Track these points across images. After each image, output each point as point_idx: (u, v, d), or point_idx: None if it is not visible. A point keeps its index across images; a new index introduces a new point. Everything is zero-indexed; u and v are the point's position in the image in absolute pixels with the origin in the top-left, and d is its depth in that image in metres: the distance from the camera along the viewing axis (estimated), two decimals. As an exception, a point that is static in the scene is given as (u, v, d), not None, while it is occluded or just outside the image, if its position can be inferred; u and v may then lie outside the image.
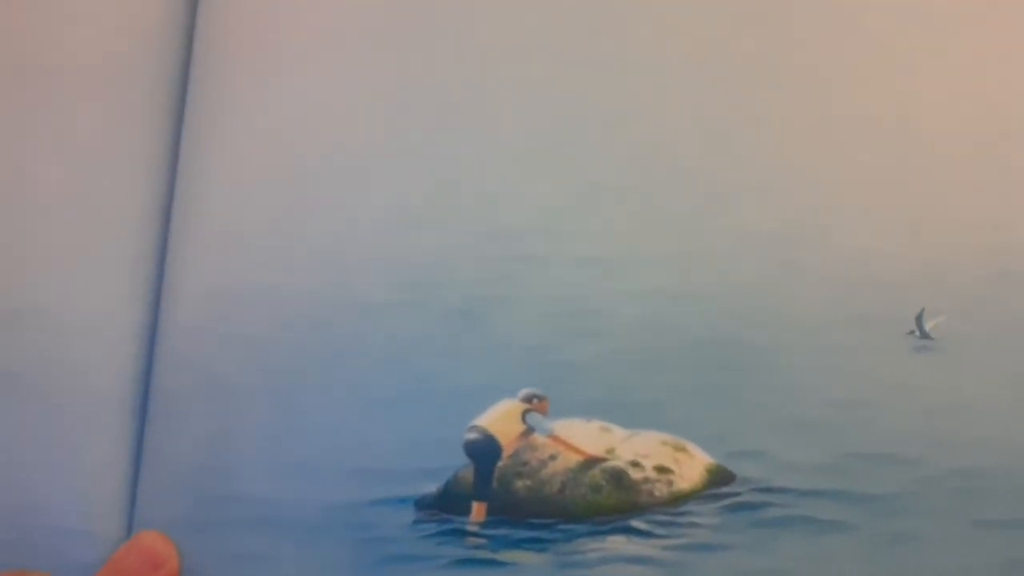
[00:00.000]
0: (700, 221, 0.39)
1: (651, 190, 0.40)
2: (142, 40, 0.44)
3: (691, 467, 0.37)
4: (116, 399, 0.41)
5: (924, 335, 0.37)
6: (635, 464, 0.37)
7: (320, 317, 0.40)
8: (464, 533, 0.37)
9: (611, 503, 0.37)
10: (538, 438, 0.38)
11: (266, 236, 0.42)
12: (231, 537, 0.38)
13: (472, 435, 0.38)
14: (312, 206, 0.42)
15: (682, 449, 0.37)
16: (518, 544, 0.37)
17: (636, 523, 0.37)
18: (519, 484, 0.38)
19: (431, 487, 0.38)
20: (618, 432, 0.38)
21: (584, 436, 0.38)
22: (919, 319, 0.37)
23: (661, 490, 0.37)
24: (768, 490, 0.36)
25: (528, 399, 0.38)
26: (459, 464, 0.38)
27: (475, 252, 0.40)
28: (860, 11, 0.40)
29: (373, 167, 0.41)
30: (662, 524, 0.36)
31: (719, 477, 0.37)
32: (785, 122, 0.40)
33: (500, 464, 0.38)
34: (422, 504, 0.38)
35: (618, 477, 0.37)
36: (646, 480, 0.37)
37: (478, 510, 0.38)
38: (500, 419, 0.38)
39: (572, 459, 0.38)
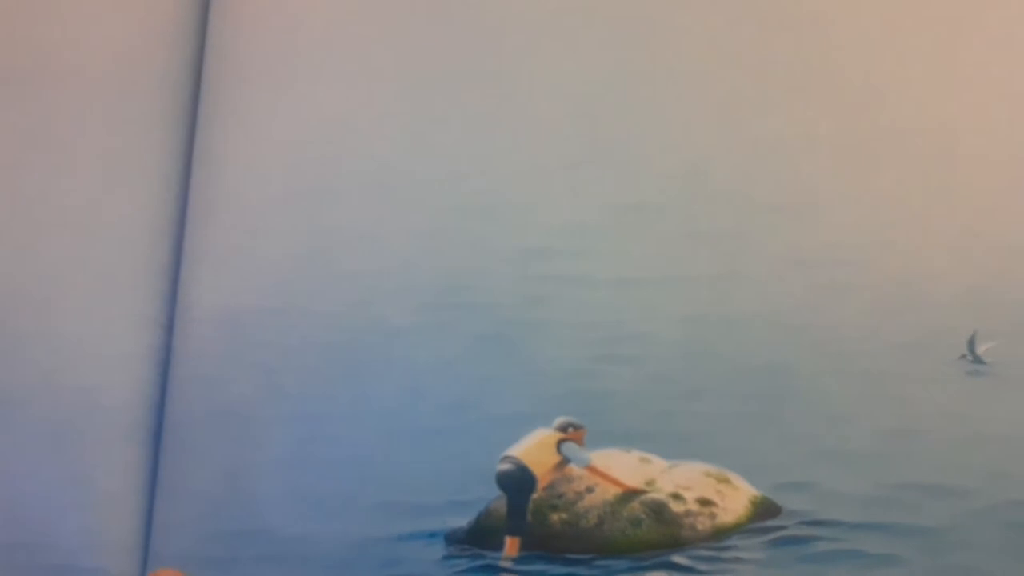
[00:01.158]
0: (741, 242, 0.38)
1: (690, 209, 0.38)
2: (153, 57, 0.43)
3: (735, 499, 0.36)
4: (129, 428, 0.39)
5: (976, 360, 0.36)
6: (676, 496, 0.36)
7: (342, 341, 0.39)
8: (497, 569, 0.36)
9: (651, 537, 0.35)
10: (574, 469, 0.37)
11: (284, 255, 0.40)
12: (251, 575, 0.37)
13: (505, 466, 0.36)
14: (332, 223, 0.40)
15: (725, 480, 0.36)
16: None
17: (678, 559, 0.35)
18: (554, 517, 0.36)
19: (462, 521, 0.37)
20: (658, 463, 0.36)
21: (623, 467, 0.36)
22: (971, 343, 0.36)
23: (704, 524, 0.35)
24: (816, 523, 0.35)
25: (564, 428, 0.37)
26: (491, 496, 0.37)
27: (506, 273, 0.39)
28: (903, 35, 0.39)
29: (396, 182, 0.40)
30: (705, 559, 0.35)
31: (764, 510, 0.35)
32: (828, 142, 0.38)
33: (534, 496, 0.37)
34: (453, 539, 0.36)
35: (659, 510, 0.36)
36: (688, 513, 0.35)
37: (511, 545, 0.36)
38: (534, 449, 0.36)
39: (610, 491, 0.36)
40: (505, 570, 0.36)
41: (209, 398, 0.39)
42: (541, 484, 0.36)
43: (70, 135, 0.42)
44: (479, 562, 0.36)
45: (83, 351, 0.40)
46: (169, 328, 0.40)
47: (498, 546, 0.36)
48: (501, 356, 0.37)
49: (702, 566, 0.35)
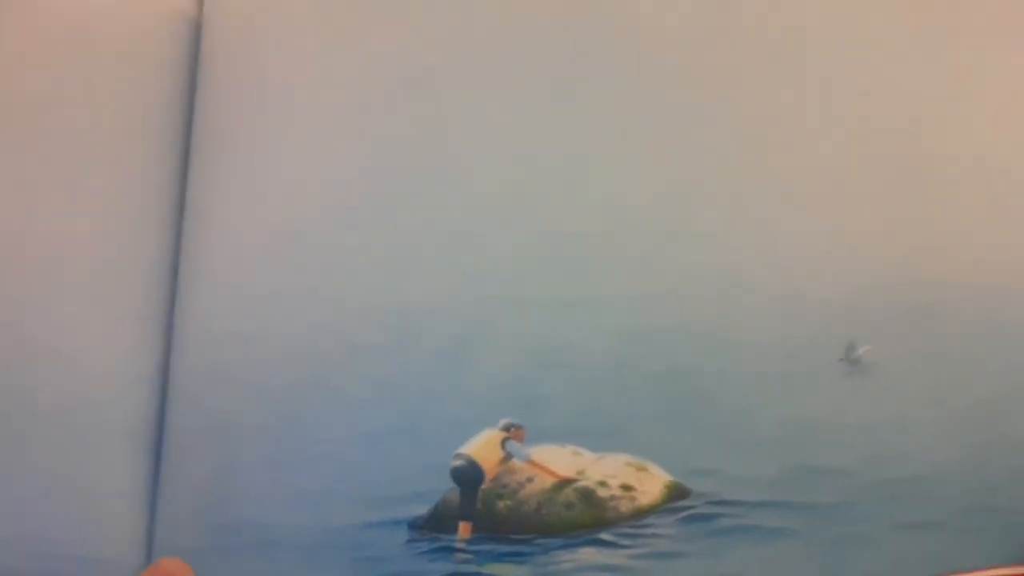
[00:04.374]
0: (657, 265, 0.43)
1: (612, 238, 0.44)
2: (148, 113, 0.48)
3: (652, 484, 0.41)
4: (132, 438, 0.44)
5: (854, 361, 0.42)
6: (603, 483, 0.41)
7: (318, 358, 0.44)
8: (452, 550, 0.41)
9: (582, 519, 0.41)
10: (517, 463, 0.42)
11: (266, 287, 0.45)
12: (242, 560, 0.42)
13: (458, 462, 0.42)
14: (307, 259, 0.45)
15: (643, 469, 0.41)
16: (501, 558, 0.41)
17: (604, 536, 0.40)
18: (500, 504, 0.41)
19: (422, 509, 0.42)
20: (587, 455, 0.42)
21: (557, 460, 0.42)
22: (849, 348, 0.42)
23: (626, 506, 0.41)
24: (720, 503, 0.40)
25: (507, 428, 0.42)
26: (446, 488, 0.42)
27: (457, 296, 0.44)
28: (804, 67, 0.44)
29: (363, 222, 0.45)
30: (627, 536, 0.40)
31: (677, 492, 0.41)
32: (728, 179, 0.44)
33: (483, 487, 0.42)
34: (414, 525, 0.41)
35: (588, 495, 0.41)
36: (612, 497, 0.41)
37: (464, 529, 0.41)
38: (482, 447, 0.42)
39: (547, 481, 0.41)
40: (459, 550, 0.41)
41: (202, 409, 0.44)
42: (489, 476, 0.42)
43: (79, 188, 0.47)
44: (437, 544, 0.41)
45: (94, 372, 0.45)
46: (168, 351, 0.46)
47: (453, 530, 0.41)
48: (453, 368, 0.43)
49: (624, 541, 0.40)
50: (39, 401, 0.44)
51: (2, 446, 0.43)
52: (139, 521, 0.43)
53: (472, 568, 0.41)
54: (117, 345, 0.45)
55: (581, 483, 0.41)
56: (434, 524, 0.41)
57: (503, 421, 0.42)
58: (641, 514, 0.41)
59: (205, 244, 0.47)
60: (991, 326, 0.42)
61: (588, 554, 0.40)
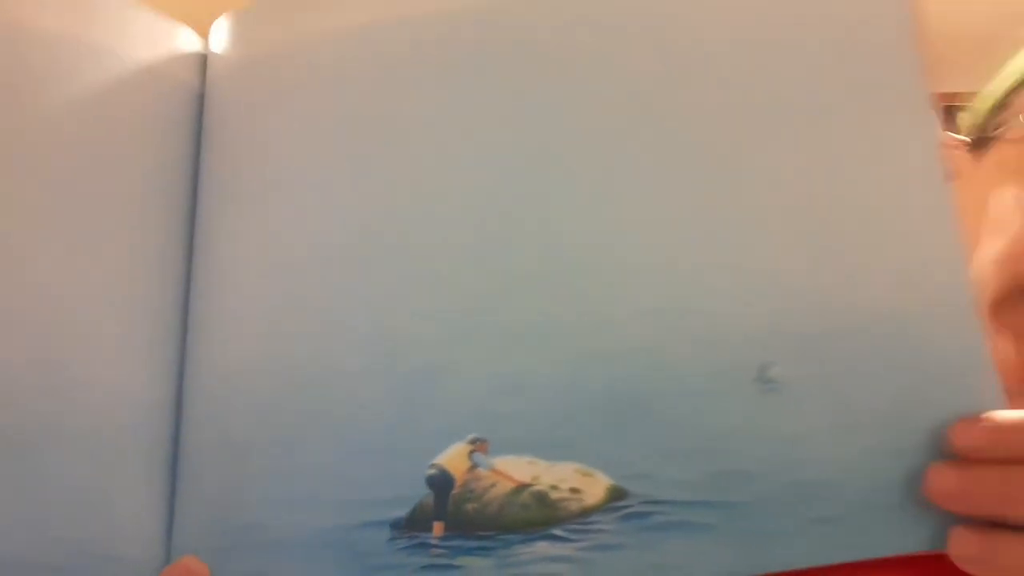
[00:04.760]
0: (599, 301, 0.50)
1: (562, 276, 0.50)
2: (158, 171, 0.56)
3: (596, 487, 0.47)
4: (153, 456, 0.51)
5: (766, 381, 0.49)
6: (554, 487, 0.47)
7: (312, 384, 0.51)
8: (428, 546, 0.48)
9: (537, 518, 0.47)
10: (482, 471, 0.48)
11: (268, 324, 0.53)
12: (248, 558, 0.49)
13: (432, 471, 0.49)
14: (304, 299, 0.52)
15: (589, 475, 0.47)
16: (469, 552, 0.47)
17: (556, 531, 0.47)
18: (468, 506, 0.48)
19: (402, 512, 0.48)
20: (541, 464, 0.48)
21: (516, 468, 0.48)
22: (762, 368, 0.49)
23: (574, 506, 0.47)
24: (654, 502, 0.46)
25: (473, 442, 0.49)
26: (422, 494, 0.49)
27: (432, 330, 0.51)
28: (731, 117, 0.50)
29: (352, 267, 0.52)
30: (575, 531, 0.47)
31: (617, 494, 0.47)
32: (660, 222, 0.50)
33: (454, 492, 0.48)
34: (395, 525, 0.48)
35: (542, 498, 0.47)
36: (563, 499, 0.47)
37: (437, 528, 0.48)
38: (453, 458, 0.49)
39: (507, 486, 0.48)
40: (434, 546, 0.48)
41: (213, 430, 0.51)
42: (458, 483, 0.48)
43: (95, 235, 0.53)
44: (415, 541, 0.48)
45: (118, 401, 0.52)
46: (180, 382, 0.53)
47: (428, 529, 0.48)
48: (428, 392, 0.50)
49: (573, 536, 0.47)
50: (68, 428, 0.50)
51: (36, 462, 0.50)
52: (160, 525, 0.50)
53: (445, 561, 0.48)
54: (137, 377, 0.52)
55: (536, 488, 0.48)
56: (412, 524, 0.48)
57: (470, 436, 0.49)
58: (587, 513, 0.47)
59: (212, 289, 0.54)
60: (888, 348, 0.48)
61: (542, 547, 0.47)
